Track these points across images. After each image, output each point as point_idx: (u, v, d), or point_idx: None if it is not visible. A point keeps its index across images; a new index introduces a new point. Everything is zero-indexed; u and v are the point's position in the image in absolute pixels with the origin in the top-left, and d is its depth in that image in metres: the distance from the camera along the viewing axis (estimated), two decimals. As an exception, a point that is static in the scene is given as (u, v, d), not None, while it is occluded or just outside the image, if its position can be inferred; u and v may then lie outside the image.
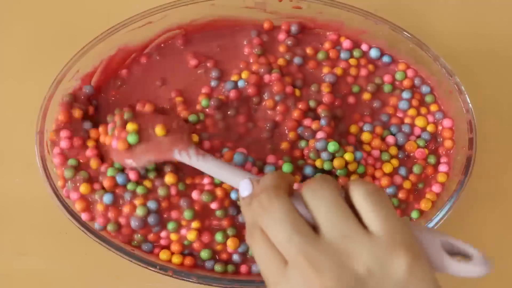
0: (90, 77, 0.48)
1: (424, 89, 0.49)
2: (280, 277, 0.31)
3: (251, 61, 0.49)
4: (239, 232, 0.43)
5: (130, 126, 0.43)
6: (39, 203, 0.48)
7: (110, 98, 0.48)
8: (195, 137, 0.45)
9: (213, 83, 0.48)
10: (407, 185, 0.46)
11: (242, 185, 0.35)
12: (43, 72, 0.47)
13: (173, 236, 0.43)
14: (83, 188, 0.42)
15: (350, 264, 0.29)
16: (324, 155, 0.44)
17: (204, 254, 0.43)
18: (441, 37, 0.54)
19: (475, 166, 0.44)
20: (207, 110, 0.47)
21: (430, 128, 0.48)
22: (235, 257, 0.43)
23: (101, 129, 0.45)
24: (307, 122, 0.46)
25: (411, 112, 0.48)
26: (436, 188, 0.46)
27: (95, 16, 0.54)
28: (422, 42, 0.47)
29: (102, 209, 0.42)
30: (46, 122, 0.45)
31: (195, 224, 0.42)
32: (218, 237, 0.43)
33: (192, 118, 0.46)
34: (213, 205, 0.43)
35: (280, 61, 0.49)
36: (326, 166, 0.44)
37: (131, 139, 0.42)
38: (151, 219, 0.42)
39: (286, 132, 0.47)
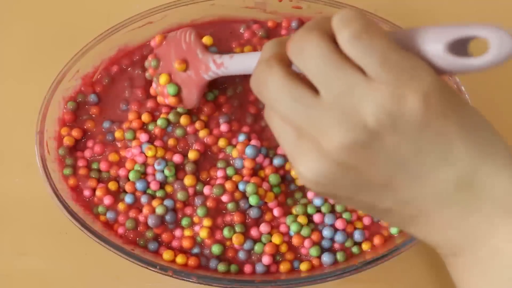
0: (90, 77, 0.48)
1: None
2: (295, 149, 0.29)
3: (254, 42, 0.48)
4: (247, 230, 0.44)
5: (162, 80, 0.44)
6: (39, 203, 0.48)
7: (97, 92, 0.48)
8: (208, 40, 0.44)
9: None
10: None
11: None
12: (43, 72, 0.47)
13: (187, 232, 0.43)
14: (112, 185, 0.44)
15: (357, 119, 0.26)
16: None
17: (215, 249, 0.43)
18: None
19: (475, 166, 0.44)
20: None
21: None
22: (241, 255, 0.43)
23: (152, 91, 0.46)
24: None
25: None
26: None
27: (95, 16, 0.54)
28: (422, 42, 0.47)
29: (123, 208, 0.44)
30: (46, 122, 0.45)
31: (206, 222, 0.43)
32: (225, 232, 0.43)
33: (209, 97, 0.46)
34: (224, 198, 0.43)
35: None
36: None
37: (171, 90, 0.43)
38: (168, 217, 0.43)
39: None
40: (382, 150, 0.27)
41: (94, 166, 0.45)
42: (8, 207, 0.49)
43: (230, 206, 0.43)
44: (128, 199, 0.44)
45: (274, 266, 0.43)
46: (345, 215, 0.44)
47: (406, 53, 0.27)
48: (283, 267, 0.43)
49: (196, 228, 0.44)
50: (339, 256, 0.43)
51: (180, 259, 0.43)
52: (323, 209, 0.44)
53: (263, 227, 0.43)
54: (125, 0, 0.55)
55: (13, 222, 0.48)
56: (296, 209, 0.44)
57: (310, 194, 0.45)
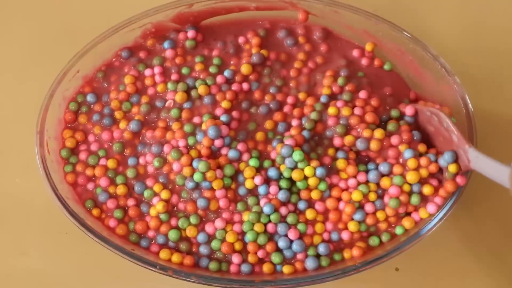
0: (91, 78, 0.48)
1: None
2: None
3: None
4: (201, 222, 0.44)
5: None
6: (39, 203, 0.48)
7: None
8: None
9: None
10: (380, 215, 0.43)
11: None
12: (44, 72, 0.47)
13: (152, 211, 0.44)
14: (111, 162, 0.46)
15: None
16: (288, 162, 0.43)
17: (172, 235, 0.43)
18: (441, 37, 0.54)
19: (475, 166, 0.44)
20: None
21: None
22: (202, 250, 0.43)
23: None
24: (294, 122, 0.46)
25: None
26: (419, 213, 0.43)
27: (96, 16, 0.55)
28: (422, 42, 0.47)
29: (121, 191, 0.45)
30: (46, 122, 0.45)
31: (164, 194, 0.44)
32: (180, 222, 0.43)
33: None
34: (175, 166, 0.43)
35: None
36: (286, 174, 0.43)
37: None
38: (137, 188, 0.44)
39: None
40: None
41: (100, 153, 0.46)
42: (8, 207, 0.49)
43: (177, 178, 0.44)
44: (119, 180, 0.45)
45: (258, 266, 0.43)
46: (300, 226, 0.43)
47: None
48: (266, 268, 0.43)
49: (155, 200, 0.44)
50: (323, 261, 0.43)
51: (175, 257, 0.43)
52: (272, 218, 0.43)
53: (218, 223, 0.43)
54: (125, 0, 0.55)
55: (13, 222, 0.49)
56: (250, 217, 0.43)
57: (262, 202, 0.43)
